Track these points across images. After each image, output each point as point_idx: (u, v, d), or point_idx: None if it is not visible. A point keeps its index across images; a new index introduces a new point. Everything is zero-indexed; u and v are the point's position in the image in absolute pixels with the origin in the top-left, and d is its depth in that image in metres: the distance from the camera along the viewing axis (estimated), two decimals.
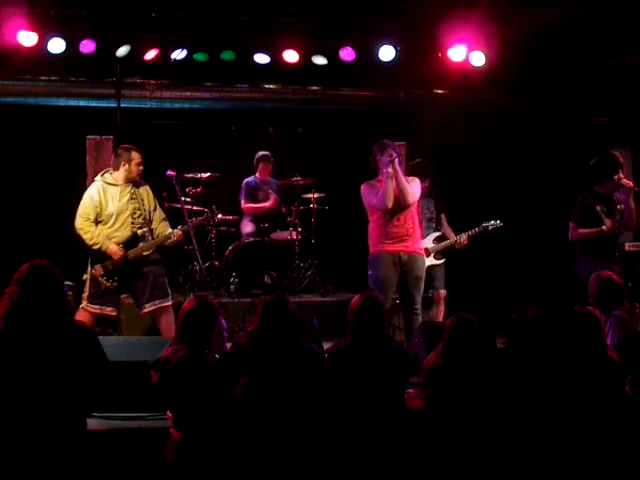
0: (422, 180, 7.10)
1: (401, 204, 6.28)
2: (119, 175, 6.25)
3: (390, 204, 6.24)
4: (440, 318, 6.98)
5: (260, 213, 8.45)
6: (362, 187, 6.45)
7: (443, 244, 7.16)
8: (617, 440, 3.96)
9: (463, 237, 7.13)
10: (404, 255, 6.28)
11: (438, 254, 7.13)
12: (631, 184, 6.66)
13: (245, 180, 8.60)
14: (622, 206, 6.64)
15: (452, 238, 7.18)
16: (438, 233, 7.22)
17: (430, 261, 7.08)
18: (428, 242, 7.15)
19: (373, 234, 6.43)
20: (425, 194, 7.15)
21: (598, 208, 6.66)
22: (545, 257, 8.61)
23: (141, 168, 6.27)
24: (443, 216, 7.29)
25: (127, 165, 6.23)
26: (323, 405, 4.00)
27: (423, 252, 6.56)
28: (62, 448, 3.31)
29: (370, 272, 6.44)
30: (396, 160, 6.20)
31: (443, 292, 7.13)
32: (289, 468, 3.79)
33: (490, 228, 7.16)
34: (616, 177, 6.63)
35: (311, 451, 3.85)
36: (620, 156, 6.80)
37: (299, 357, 4.02)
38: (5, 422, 3.30)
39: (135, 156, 6.24)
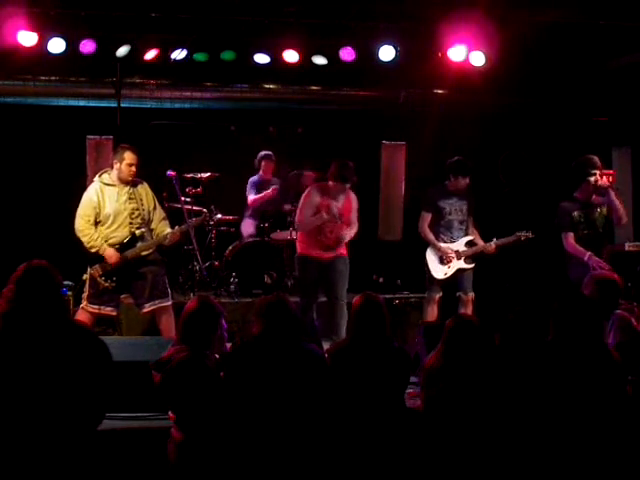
0: (464, 177, 7.04)
1: (341, 218, 6.72)
2: (114, 174, 6.24)
3: (305, 232, 6.79)
4: None
5: (264, 203, 8.42)
6: (309, 188, 6.89)
7: (473, 249, 7.06)
8: (617, 440, 3.95)
9: (492, 245, 7.05)
10: (327, 261, 6.73)
11: (468, 258, 7.05)
12: (606, 183, 6.64)
13: (250, 179, 8.61)
14: (603, 209, 6.65)
15: (480, 243, 7.09)
16: (470, 237, 7.10)
17: (460, 264, 7.01)
18: (460, 245, 7.05)
19: (303, 235, 6.84)
20: (460, 195, 7.09)
21: (575, 214, 6.65)
22: (544, 257, 8.61)
23: (132, 170, 6.19)
24: (471, 219, 7.17)
25: (118, 164, 6.20)
26: (323, 405, 4.00)
27: (346, 253, 6.82)
28: (61, 448, 3.31)
29: (297, 270, 6.91)
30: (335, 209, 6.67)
31: (471, 295, 7.02)
32: (289, 468, 3.79)
33: (522, 239, 7.05)
34: (592, 179, 6.60)
35: (311, 451, 3.85)
36: (596, 158, 6.77)
37: (299, 357, 4.02)
38: (2, 423, 3.30)
39: (127, 156, 6.18)
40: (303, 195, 6.90)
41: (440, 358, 4.05)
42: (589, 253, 6.51)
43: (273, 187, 8.46)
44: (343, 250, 6.82)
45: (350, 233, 6.77)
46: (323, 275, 6.76)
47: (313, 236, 6.72)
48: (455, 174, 7.06)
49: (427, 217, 7.08)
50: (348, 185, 6.70)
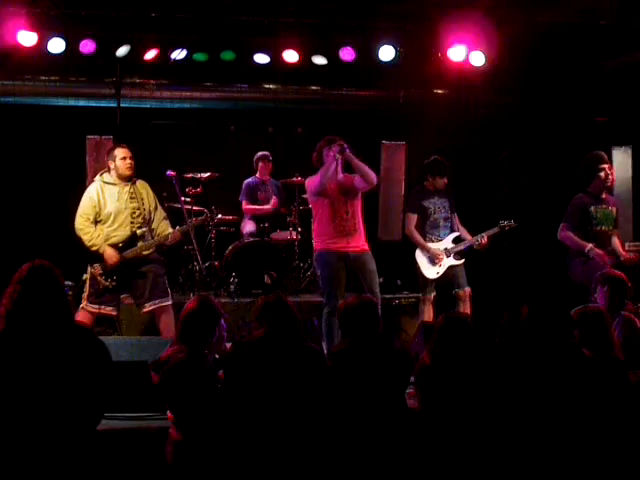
0: (442, 177, 7.12)
1: (351, 192, 6.35)
2: (113, 174, 6.26)
3: (326, 183, 6.27)
4: None
5: (260, 214, 8.46)
6: (307, 181, 6.52)
7: (463, 244, 7.09)
8: (617, 440, 3.95)
9: (484, 237, 7.09)
10: (352, 255, 6.32)
11: (457, 255, 7.09)
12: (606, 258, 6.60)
13: (245, 181, 8.60)
14: (613, 209, 6.68)
15: (468, 238, 7.14)
16: (457, 233, 7.16)
17: (450, 261, 7.05)
18: (447, 242, 7.09)
19: (318, 230, 6.45)
20: (441, 193, 7.16)
21: (592, 209, 6.68)
22: (542, 258, 8.61)
23: (128, 162, 6.20)
24: (455, 216, 7.25)
25: (113, 163, 6.23)
26: (324, 404, 4.00)
27: (369, 249, 6.47)
28: (60, 448, 3.31)
29: (318, 270, 6.48)
30: (347, 150, 6.26)
31: (468, 289, 7.04)
32: (289, 468, 3.78)
33: (507, 228, 7.17)
34: (602, 174, 6.65)
35: (312, 451, 3.85)
36: (604, 154, 6.81)
37: (301, 357, 4.01)
38: (4, 423, 3.30)
39: (118, 152, 6.21)
40: (307, 184, 6.62)
41: (429, 356, 4.05)
42: (590, 245, 6.54)
43: (273, 199, 8.42)
44: (366, 245, 6.46)
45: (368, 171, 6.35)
46: (353, 273, 6.33)
47: (330, 223, 6.33)
48: (432, 174, 7.16)
49: (413, 218, 7.12)
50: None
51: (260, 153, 8.63)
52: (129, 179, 6.26)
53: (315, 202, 6.50)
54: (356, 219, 6.40)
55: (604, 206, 6.74)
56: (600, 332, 4.29)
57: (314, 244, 6.57)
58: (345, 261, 6.31)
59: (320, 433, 3.92)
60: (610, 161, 7.43)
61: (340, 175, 6.43)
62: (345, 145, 6.29)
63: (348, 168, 6.52)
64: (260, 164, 8.56)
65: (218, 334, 4.28)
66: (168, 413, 3.82)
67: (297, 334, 4.08)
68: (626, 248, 7.29)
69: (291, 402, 3.90)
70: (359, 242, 6.41)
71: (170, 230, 6.34)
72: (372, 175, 6.40)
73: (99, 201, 6.18)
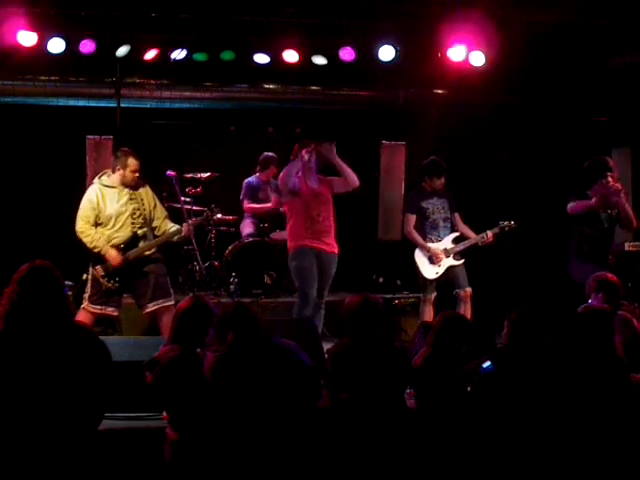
0: (439, 178, 7.13)
1: (324, 196, 6.52)
2: (115, 177, 6.23)
3: (291, 180, 6.47)
4: (468, 316, 6.80)
5: (261, 213, 8.44)
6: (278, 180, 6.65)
7: (464, 244, 7.10)
8: (618, 440, 3.95)
9: (489, 234, 7.08)
10: (324, 254, 6.52)
11: (457, 255, 7.09)
12: (619, 186, 6.63)
13: (246, 180, 8.58)
14: (613, 210, 6.67)
15: (472, 236, 7.15)
16: (456, 233, 7.16)
17: (450, 262, 7.06)
18: (447, 243, 7.10)
19: (293, 230, 6.64)
20: (440, 193, 7.18)
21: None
22: (542, 258, 8.61)
23: (136, 175, 6.20)
24: (457, 215, 7.26)
25: (122, 170, 6.19)
26: (316, 400, 4.00)
27: (337, 254, 6.65)
28: (61, 447, 3.31)
29: (293, 264, 6.61)
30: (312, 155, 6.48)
31: (469, 290, 7.05)
32: (286, 466, 3.78)
33: (506, 229, 7.16)
34: (604, 180, 6.61)
35: (309, 449, 3.84)
36: (610, 161, 6.78)
37: (272, 354, 3.97)
38: (5, 422, 3.30)
39: (132, 163, 6.18)
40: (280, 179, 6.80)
41: (426, 355, 4.05)
42: (594, 199, 6.53)
43: (273, 198, 8.40)
44: (336, 247, 6.66)
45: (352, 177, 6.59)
46: (319, 269, 6.56)
47: (302, 224, 6.55)
48: (430, 175, 7.19)
49: (412, 219, 7.16)
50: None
51: (270, 154, 8.57)
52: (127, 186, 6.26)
53: (289, 202, 6.68)
54: (328, 222, 6.59)
55: (601, 210, 6.72)
56: (603, 332, 4.29)
57: (288, 243, 6.73)
58: (317, 258, 6.52)
59: (318, 432, 3.92)
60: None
61: (313, 177, 6.56)
62: (313, 147, 6.50)
63: (332, 172, 6.57)
64: (271, 166, 8.49)
65: (211, 334, 4.27)
66: (163, 414, 3.82)
67: (262, 333, 4.04)
68: (626, 248, 7.30)
69: (278, 401, 3.87)
70: (330, 241, 6.60)
71: (177, 227, 6.33)
72: (353, 177, 6.61)
73: (99, 204, 6.17)
